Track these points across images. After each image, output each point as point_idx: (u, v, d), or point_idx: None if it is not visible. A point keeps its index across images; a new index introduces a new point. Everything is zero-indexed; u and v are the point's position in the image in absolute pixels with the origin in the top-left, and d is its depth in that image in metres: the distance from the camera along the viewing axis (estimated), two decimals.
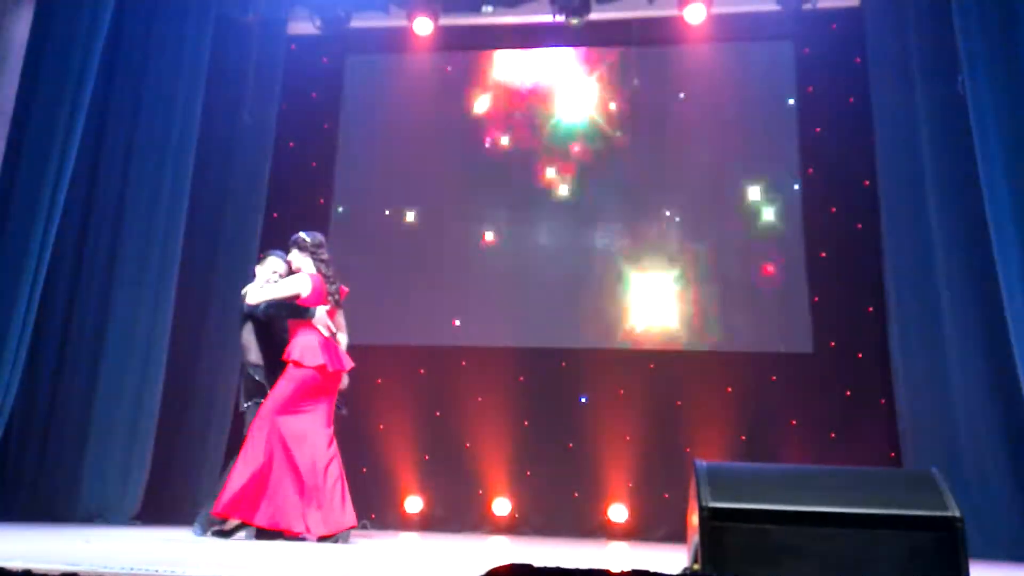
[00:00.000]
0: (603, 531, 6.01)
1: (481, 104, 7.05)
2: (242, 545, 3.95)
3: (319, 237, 4.66)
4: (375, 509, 6.29)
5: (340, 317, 4.59)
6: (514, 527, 6.10)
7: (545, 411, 6.31)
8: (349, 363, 4.45)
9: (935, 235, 5.49)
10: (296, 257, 4.60)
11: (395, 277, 6.75)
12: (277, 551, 3.59)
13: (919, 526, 2.19)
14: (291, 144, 7.10)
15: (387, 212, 6.93)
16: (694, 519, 2.38)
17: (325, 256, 4.57)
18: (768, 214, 6.48)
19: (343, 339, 4.57)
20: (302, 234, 4.66)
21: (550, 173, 6.81)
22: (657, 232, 6.60)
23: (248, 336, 4.49)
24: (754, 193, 6.53)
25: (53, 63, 5.56)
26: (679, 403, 6.20)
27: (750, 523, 2.19)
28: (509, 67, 7.11)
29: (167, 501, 5.79)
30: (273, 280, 4.51)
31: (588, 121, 6.87)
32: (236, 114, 6.71)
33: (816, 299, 6.24)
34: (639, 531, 5.94)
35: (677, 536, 5.33)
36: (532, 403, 6.35)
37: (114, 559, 2.71)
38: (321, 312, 4.38)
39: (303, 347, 4.28)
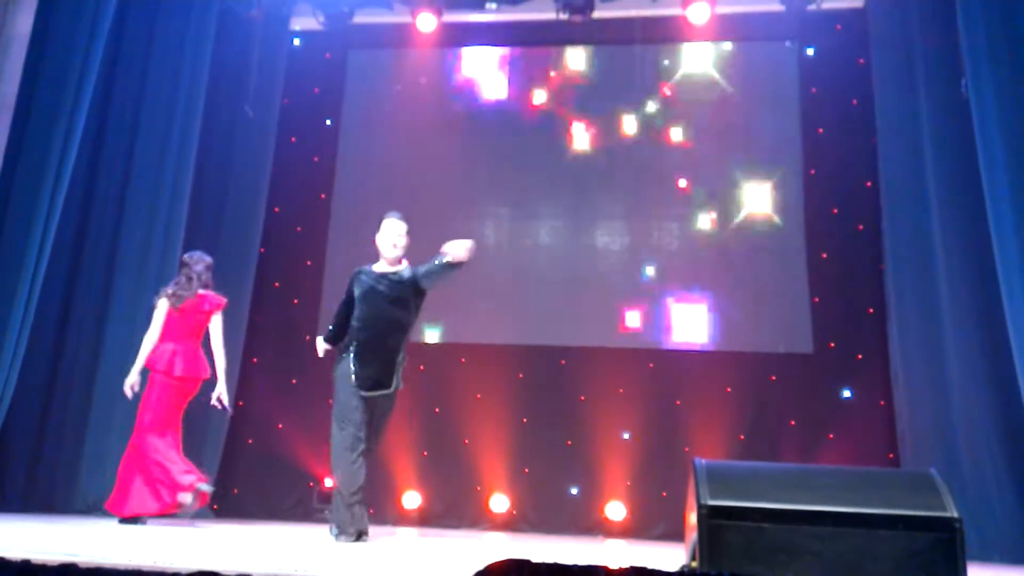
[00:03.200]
0: (601, 529, 6.01)
1: (484, 101, 7.05)
2: (236, 538, 3.95)
3: (191, 256, 5.13)
4: (373, 504, 6.26)
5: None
6: (512, 524, 6.11)
7: (544, 409, 6.31)
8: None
9: (936, 237, 5.48)
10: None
11: None
12: (273, 545, 3.59)
13: (918, 526, 2.18)
14: (293, 139, 7.10)
15: (386, 207, 6.92)
16: (692, 517, 2.38)
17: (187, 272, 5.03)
18: (770, 215, 6.47)
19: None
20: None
21: (552, 172, 6.81)
22: (658, 231, 6.60)
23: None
24: (756, 193, 6.52)
25: (56, 55, 5.55)
26: (678, 402, 6.20)
27: (748, 521, 2.19)
28: (512, 64, 7.11)
29: None
30: (402, 245, 4.40)
31: (588, 120, 6.86)
32: (238, 108, 6.71)
33: (816, 300, 6.24)
34: (637, 529, 5.94)
35: (674, 535, 5.33)
36: (531, 400, 6.35)
37: (112, 551, 2.71)
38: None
39: None
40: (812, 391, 6.06)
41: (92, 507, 5.50)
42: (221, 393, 4.95)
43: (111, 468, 5.58)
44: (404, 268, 4.36)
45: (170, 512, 4.72)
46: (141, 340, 5.62)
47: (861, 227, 6.24)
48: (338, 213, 7.01)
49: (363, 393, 4.16)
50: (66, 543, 3.02)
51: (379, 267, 4.38)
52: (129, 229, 6.00)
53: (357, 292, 4.29)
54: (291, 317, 6.82)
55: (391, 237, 4.36)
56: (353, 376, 4.17)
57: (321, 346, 4.47)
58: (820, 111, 6.55)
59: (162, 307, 4.91)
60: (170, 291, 4.92)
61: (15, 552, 2.19)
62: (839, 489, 2.30)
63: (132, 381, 4.86)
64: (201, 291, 4.98)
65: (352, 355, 4.20)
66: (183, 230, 6.10)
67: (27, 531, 3.75)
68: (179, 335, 4.91)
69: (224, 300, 5.08)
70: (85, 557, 2.24)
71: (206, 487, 4.71)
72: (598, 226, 6.67)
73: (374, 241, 4.41)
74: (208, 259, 5.12)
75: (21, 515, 5.00)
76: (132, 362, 5.84)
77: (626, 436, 6.18)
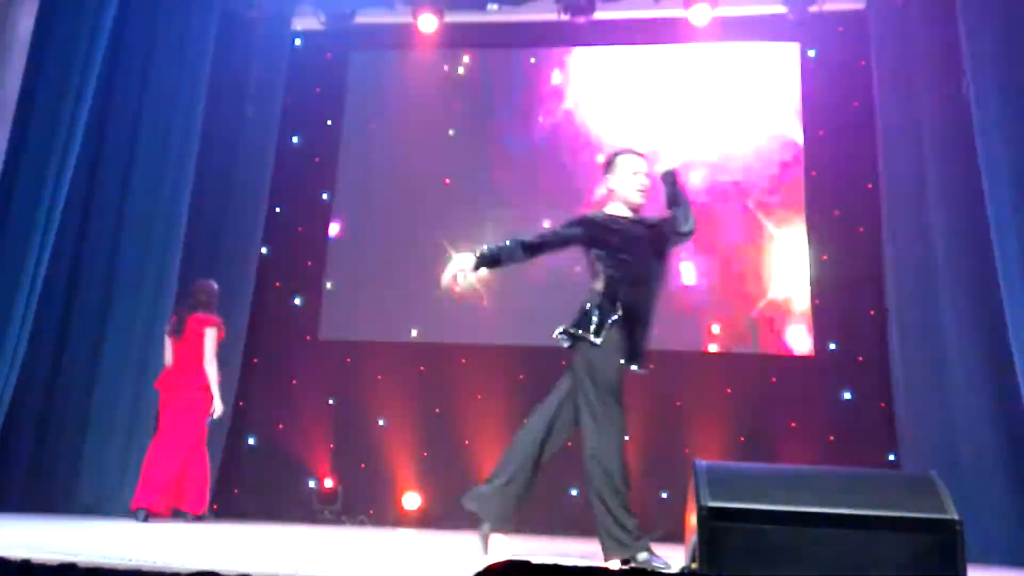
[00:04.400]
0: None
1: (486, 101, 7.05)
2: (236, 538, 3.95)
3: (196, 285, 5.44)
4: (373, 505, 6.30)
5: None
6: (512, 525, 6.09)
7: None
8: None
9: (937, 239, 5.48)
10: None
11: (396, 273, 6.74)
12: (273, 545, 3.59)
13: (918, 528, 2.18)
14: (294, 139, 7.11)
15: (388, 207, 6.93)
16: (693, 519, 2.38)
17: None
18: (770, 216, 6.47)
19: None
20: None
21: (553, 173, 6.81)
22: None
23: None
24: (756, 195, 6.52)
25: (57, 56, 5.55)
26: (678, 404, 6.20)
27: (749, 523, 2.19)
28: (514, 65, 7.11)
29: None
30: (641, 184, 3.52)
31: (589, 121, 6.86)
32: (240, 108, 6.71)
33: (817, 302, 6.23)
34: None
35: (674, 536, 5.31)
36: (532, 401, 6.27)
37: (112, 551, 2.71)
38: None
39: None
40: (812, 393, 6.06)
41: (92, 508, 5.51)
42: (215, 404, 5.20)
43: (111, 469, 5.61)
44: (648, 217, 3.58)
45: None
46: (140, 341, 5.80)
47: (862, 229, 6.24)
48: (339, 214, 7.01)
49: (633, 367, 3.43)
50: (66, 543, 3.02)
51: (622, 213, 3.52)
52: (130, 230, 6.00)
53: (610, 238, 3.42)
54: (292, 317, 6.83)
55: (639, 177, 3.47)
56: (619, 348, 3.37)
57: (466, 266, 3.48)
58: (821, 113, 6.55)
59: (166, 339, 5.34)
60: (168, 327, 5.35)
61: (15, 552, 2.19)
62: (839, 491, 2.30)
63: None
64: (196, 313, 5.27)
65: (617, 321, 3.36)
66: (184, 230, 6.10)
67: (27, 531, 3.75)
68: (183, 358, 5.20)
69: (213, 318, 5.29)
70: (85, 557, 2.24)
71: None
72: None
73: (607, 185, 3.59)
74: (205, 285, 5.41)
75: (21, 515, 5.00)
76: (132, 363, 5.93)
77: (626, 437, 6.16)
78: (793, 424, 6.01)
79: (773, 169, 6.55)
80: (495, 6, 6.84)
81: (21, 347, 5.19)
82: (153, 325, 5.86)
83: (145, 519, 4.89)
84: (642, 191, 3.52)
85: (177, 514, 5.21)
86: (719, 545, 2.18)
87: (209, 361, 5.17)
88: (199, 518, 5.15)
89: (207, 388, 5.15)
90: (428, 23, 6.86)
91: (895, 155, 5.82)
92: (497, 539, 3.96)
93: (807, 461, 5.71)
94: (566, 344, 3.54)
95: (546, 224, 6.71)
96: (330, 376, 6.64)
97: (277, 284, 6.87)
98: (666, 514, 5.77)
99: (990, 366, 5.10)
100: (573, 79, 7.00)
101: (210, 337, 5.20)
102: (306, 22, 7.11)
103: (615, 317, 3.37)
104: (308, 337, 6.78)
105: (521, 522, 6.06)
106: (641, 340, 3.42)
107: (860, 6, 6.46)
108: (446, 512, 6.21)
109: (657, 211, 3.72)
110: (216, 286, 5.48)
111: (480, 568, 1.85)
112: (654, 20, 6.83)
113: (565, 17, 6.62)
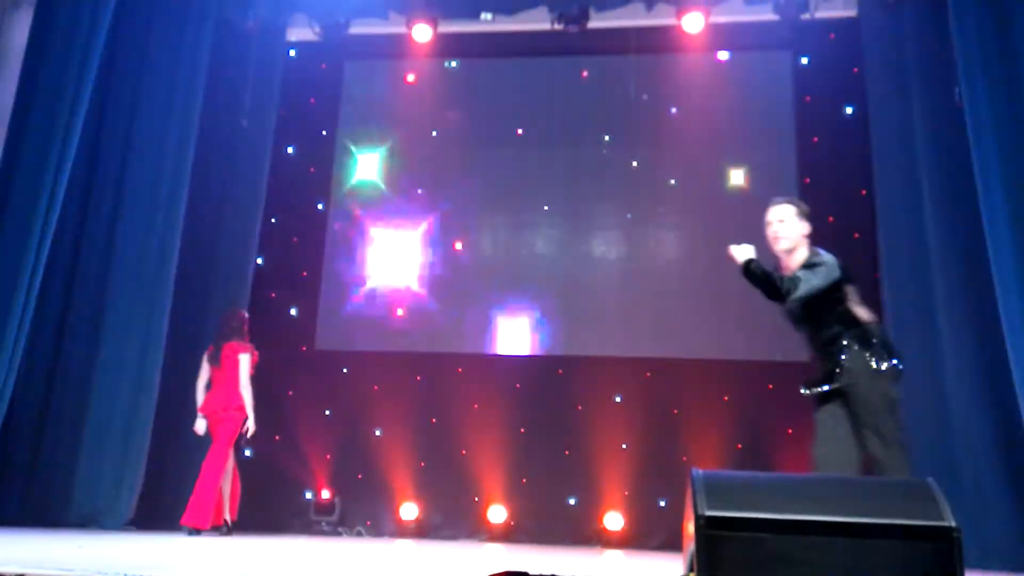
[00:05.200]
0: (599, 539, 6.00)
1: (479, 109, 7.06)
2: (232, 550, 3.93)
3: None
4: (370, 516, 6.29)
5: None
6: (510, 534, 6.09)
7: (541, 419, 6.30)
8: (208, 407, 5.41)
9: (931, 244, 5.49)
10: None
11: (392, 281, 6.75)
12: (269, 556, 3.58)
13: (915, 536, 2.17)
14: (289, 149, 7.11)
15: (386, 219, 6.94)
16: (690, 527, 2.37)
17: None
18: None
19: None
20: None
21: (547, 180, 6.82)
22: (654, 240, 6.61)
23: None
24: (751, 202, 6.53)
25: (52, 67, 5.55)
26: (676, 411, 6.20)
27: (746, 532, 2.18)
28: (507, 74, 7.12)
29: (161, 507, 5.77)
30: (785, 234, 3.65)
31: (585, 130, 6.87)
32: (235, 119, 6.71)
33: None
34: (635, 539, 5.93)
35: (672, 545, 5.31)
36: (528, 411, 6.34)
37: (108, 565, 2.70)
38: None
39: None
40: (809, 399, 6.04)
41: (87, 520, 5.48)
42: (248, 423, 5.38)
43: (106, 481, 5.60)
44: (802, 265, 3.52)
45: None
46: (136, 352, 5.84)
47: (857, 235, 6.25)
48: (334, 223, 7.01)
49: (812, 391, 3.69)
50: (61, 557, 3.00)
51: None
52: (125, 241, 6.00)
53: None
54: (288, 327, 6.82)
55: (769, 229, 3.59)
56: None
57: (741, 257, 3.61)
58: (815, 120, 6.57)
59: (203, 365, 5.49)
60: (207, 355, 5.52)
61: (10, 567, 2.18)
62: (837, 498, 2.29)
63: (196, 426, 5.41)
64: (231, 341, 5.45)
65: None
66: (178, 240, 6.09)
67: (22, 545, 3.73)
68: (219, 382, 5.40)
69: (247, 345, 5.49)
70: (80, 571, 2.23)
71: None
72: (594, 235, 6.68)
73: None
74: (238, 312, 5.64)
75: (16, 529, 4.98)
76: (128, 374, 5.93)
77: (624, 446, 6.17)
78: (790, 431, 6.00)
79: (768, 175, 6.56)
80: (489, 16, 6.85)
81: (17, 358, 5.18)
82: (148, 337, 5.85)
83: (190, 534, 5.09)
84: (774, 240, 3.61)
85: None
86: (717, 554, 2.17)
87: (245, 385, 5.37)
88: (196, 532, 5.13)
89: (240, 409, 5.34)
90: (422, 33, 6.87)
91: (889, 161, 5.84)
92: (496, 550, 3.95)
93: (805, 468, 5.69)
94: None
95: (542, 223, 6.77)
96: (326, 387, 6.63)
97: (273, 295, 6.86)
98: (664, 522, 5.77)
99: (987, 371, 5.11)
100: (565, 85, 7.01)
101: (244, 362, 5.40)
102: (300, 33, 7.12)
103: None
104: (304, 348, 6.77)
105: (519, 532, 6.08)
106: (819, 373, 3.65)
107: (852, 13, 6.48)
108: (444, 522, 6.20)
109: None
110: (247, 314, 5.68)
111: None
112: (647, 28, 6.85)
113: (559, 27, 6.64)
